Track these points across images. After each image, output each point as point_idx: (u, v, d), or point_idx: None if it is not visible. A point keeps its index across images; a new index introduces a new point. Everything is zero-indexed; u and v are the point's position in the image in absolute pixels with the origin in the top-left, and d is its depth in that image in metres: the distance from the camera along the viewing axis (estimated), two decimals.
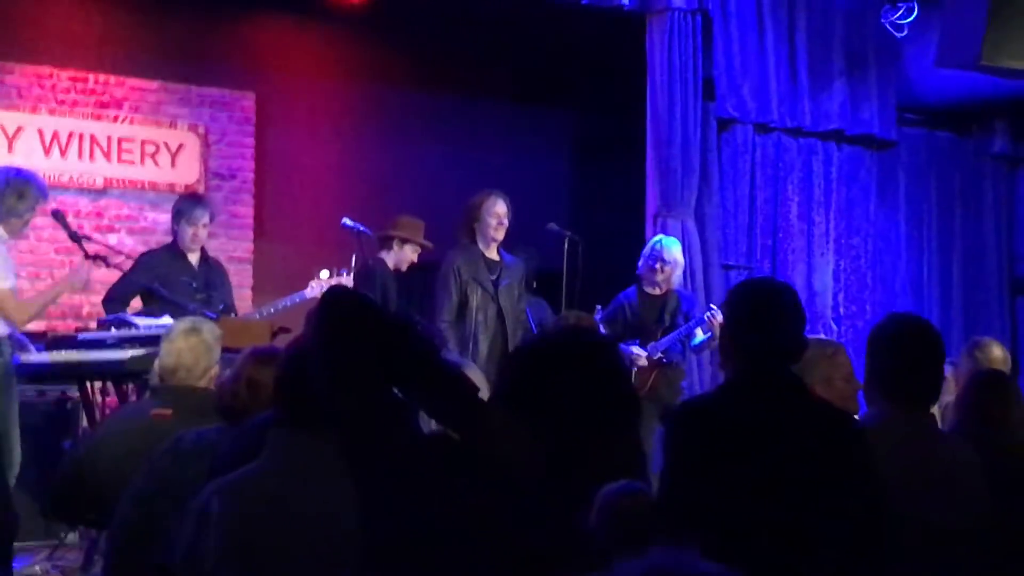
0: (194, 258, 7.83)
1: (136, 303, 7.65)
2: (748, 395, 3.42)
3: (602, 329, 7.97)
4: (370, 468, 2.32)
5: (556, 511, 2.29)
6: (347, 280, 7.77)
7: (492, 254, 8.08)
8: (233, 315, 7.61)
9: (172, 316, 6.96)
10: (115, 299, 7.60)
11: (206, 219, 7.80)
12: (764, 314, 3.51)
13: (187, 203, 7.97)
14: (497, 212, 8.01)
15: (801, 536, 3.22)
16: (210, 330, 4.99)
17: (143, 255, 8.03)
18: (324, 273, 7.74)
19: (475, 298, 7.89)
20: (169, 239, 9.57)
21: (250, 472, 3.12)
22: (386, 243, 8.43)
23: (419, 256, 8.53)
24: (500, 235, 8.06)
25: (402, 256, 8.41)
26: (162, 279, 7.50)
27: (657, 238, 8.59)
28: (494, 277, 8.01)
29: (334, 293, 2.42)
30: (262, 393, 3.88)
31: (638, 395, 2.53)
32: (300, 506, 3.09)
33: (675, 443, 3.39)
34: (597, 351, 2.44)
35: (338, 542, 2.93)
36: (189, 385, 4.83)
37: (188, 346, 4.87)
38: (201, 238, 7.83)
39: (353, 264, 7.87)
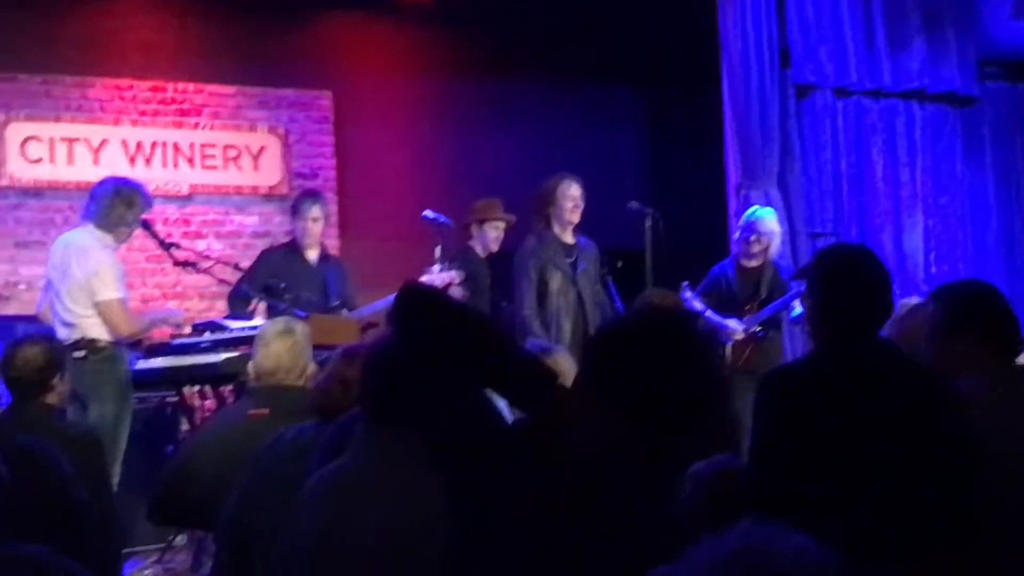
0: (312, 255, 7.95)
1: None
2: (840, 360, 3.39)
3: (692, 305, 7.92)
4: (453, 459, 2.34)
5: (644, 491, 2.29)
6: (456, 273, 7.81)
7: (568, 238, 8.05)
8: (346, 311, 7.66)
9: (231, 314, 7.10)
10: (237, 297, 7.72)
11: (315, 212, 7.87)
12: (853, 277, 3.48)
13: (299, 198, 8.14)
14: (572, 195, 7.98)
15: (897, 502, 3.17)
16: (302, 330, 5.04)
17: (262, 253, 8.22)
18: (436, 267, 7.75)
19: (555, 283, 7.87)
20: (256, 241, 9.75)
21: (337, 467, 3.15)
22: (467, 230, 8.46)
23: (506, 234, 8.50)
24: (576, 218, 8.03)
25: (485, 238, 8.41)
26: (279, 276, 7.61)
27: (752, 209, 8.49)
28: (571, 260, 7.98)
29: (406, 291, 2.44)
30: (353, 390, 3.93)
31: (724, 372, 2.51)
32: (383, 499, 3.11)
33: (765, 410, 3.35)
34: (678, 330, 2.43)
35: (422, 534, 2.95)
36: (285, 384, 4.89)
37: (285, 347, 4.92)
38: (313, 233, 7.92)
39: (437, 255, 7.88)
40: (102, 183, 7.06)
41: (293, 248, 7.98)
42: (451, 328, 2.31)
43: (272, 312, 7.29)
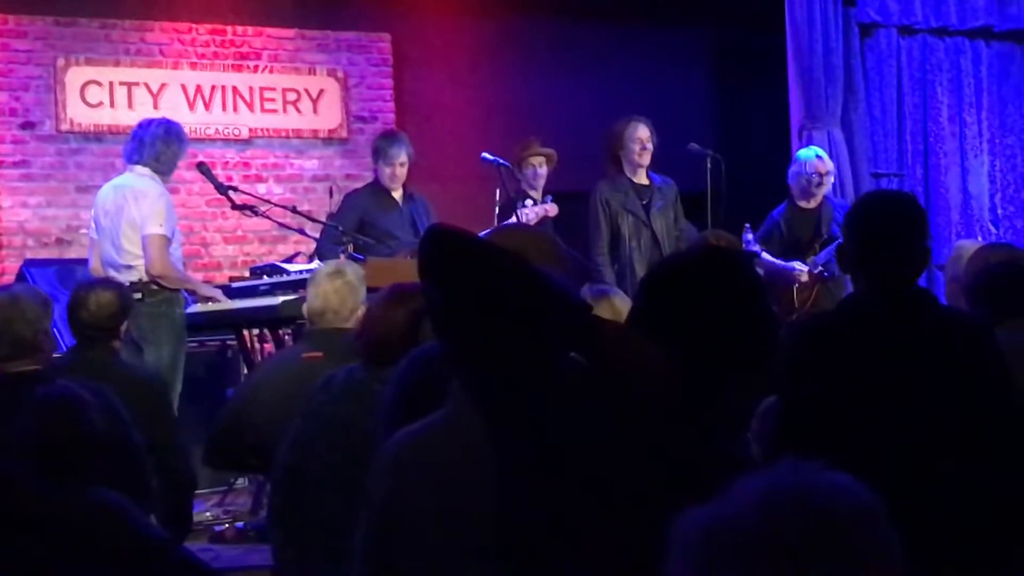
0: (398, 195, 7.82)
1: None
2: (874, 310, 3.32)
3: (753, 248, 7.86)
4: (498, 405, 2.30)
5: (692, 427, 2.26)
6: (551, 206, 7.81)
7: (641, 179, 8.02)
8: None
9: (321, 260, 7.06)
10: (325, 244, 7.59)
11: (403, 158, 7.73)
12: (887, 225, 3.39)
13: (384, 142, 7.94)
14: (640, 137, 7.94)
15: (930, 456, 3.12)
16: (354, 271, 5.05)
17: (348, 196, 8.03)
18: (529, 201, 7.72)
19: (626, 227, 7.85)
20: (315, 185, 9.73)
21: (441, 419, 2.94)
22: (514, 175, 8.36)
23: (556, 168, 8.37)
24: (645, 160, 7.98)
25: (528, 177, 8.29)
26: (368, 219, 7.59)
27: (808, 151, 8.38)
28: (645, 202, 7.95)
29: (431, 234, 2.39)
30: (400, 331, 3.90)
31: (774, 312, 2.47)
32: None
33: (795, 361, 3.28)
34: (730, 266, 2.39)
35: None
36: (337, 327, 4.89)
37: (333, 288, 4.93)
38: (400, 177, 7.78)
39: (497, 198, 7.85)
40: (145, 125, 7.04)
41: (378, 189, 7.85)
42: (479, 268, 2.27)
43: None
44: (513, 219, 7.56)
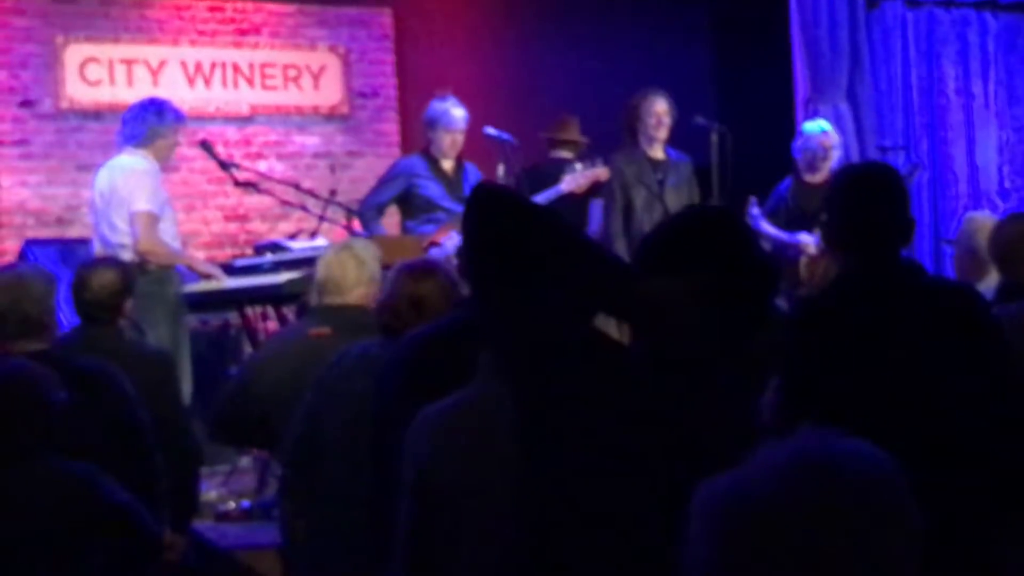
0: (448, 164, 7.64)
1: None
2: (866, 284, 3.29)
3: (759, 225, 7.81)
4: (526, 367, 2.27)
5: (719, 392, 2.24)
6: (602, 169, 7.73)
7: (657, 154, 7.99)
8: None
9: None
10: (369, 208, 7.49)
11: (463, 124, 7.60)
12: (867, 198, 3.36)
13: (439, 109, 7.71)
14: (656, 111, 7.91)
15: (935, 428, 3.11)
16: (363, 246, 5.03)
17: (397, 162, 7.93)
18: (579, 166, 7.66)
19: (639, 200, 7.84)
20: (317, 162, 9.66)
21: (474, 392, 2.88)
22: (564, 146, 8.26)
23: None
24: (662, 134, 7.96)
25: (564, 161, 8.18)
26: (412, 185, 7.48)
27: (815, 125, 8.33)
28: (660, 177, 7.92)
29: (478, 191, 2.36)
30: (426, 308, 3.90)
31: (770, 265, 2.46)
32: None
33: (797, 345, 3.28)
34: (717, 223, 2.38)
35: None
36: (343, 303, 4.86)
37: (337, 260, 4.91)
38: (460, 144, 7.63)
39: (500, 173, 7.77)
40: (137, 106, 7.02)
41: (428, 157, 7.65)
42: (525, 226, 2.24)
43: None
44: (563, 185, 7.53)
